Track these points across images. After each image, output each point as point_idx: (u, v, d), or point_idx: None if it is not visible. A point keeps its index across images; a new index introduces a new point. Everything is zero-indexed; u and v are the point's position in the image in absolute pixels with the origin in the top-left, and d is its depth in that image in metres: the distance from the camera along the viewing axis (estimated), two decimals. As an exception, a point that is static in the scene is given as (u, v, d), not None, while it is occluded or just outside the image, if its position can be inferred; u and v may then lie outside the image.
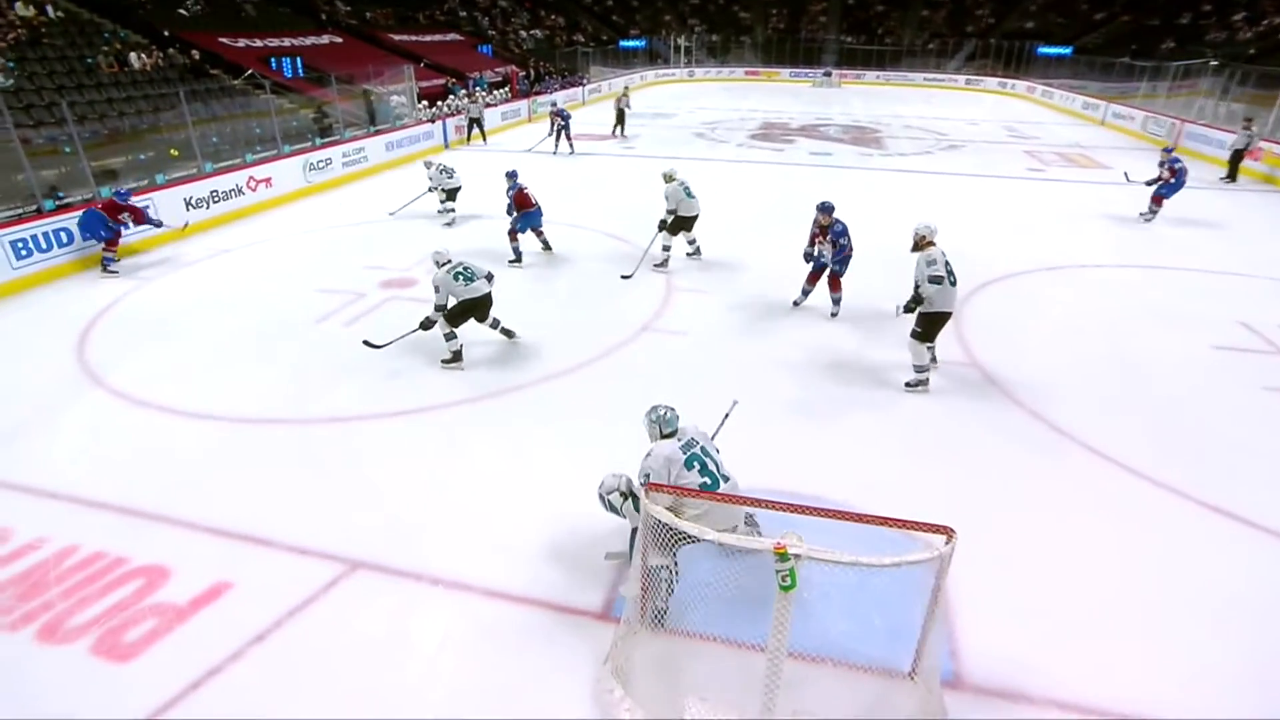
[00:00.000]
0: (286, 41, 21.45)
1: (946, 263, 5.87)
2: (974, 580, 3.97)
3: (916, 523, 2.97)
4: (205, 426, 5.69)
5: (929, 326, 6.01)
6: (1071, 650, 3.70)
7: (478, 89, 22.36)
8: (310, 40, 22.81)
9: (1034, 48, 35.60)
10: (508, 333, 7.05)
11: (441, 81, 22.91)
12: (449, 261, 6.56)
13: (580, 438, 5.51)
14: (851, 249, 7.43)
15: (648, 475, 3.72)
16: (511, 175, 9.48)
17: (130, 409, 5.95)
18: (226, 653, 3.63)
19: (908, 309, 6.00)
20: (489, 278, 6.64)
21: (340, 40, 24.40)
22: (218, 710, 3.37)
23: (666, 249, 9.14)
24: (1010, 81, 35.09)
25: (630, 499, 3.86)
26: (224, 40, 19.41)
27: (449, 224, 11.29)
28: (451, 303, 6.49)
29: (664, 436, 3.88)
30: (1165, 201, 11.61)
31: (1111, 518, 4.69)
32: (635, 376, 6.43)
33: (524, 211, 9.26)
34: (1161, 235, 11.13)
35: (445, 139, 18.53)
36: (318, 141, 14.68)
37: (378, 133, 16.25)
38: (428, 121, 18.19)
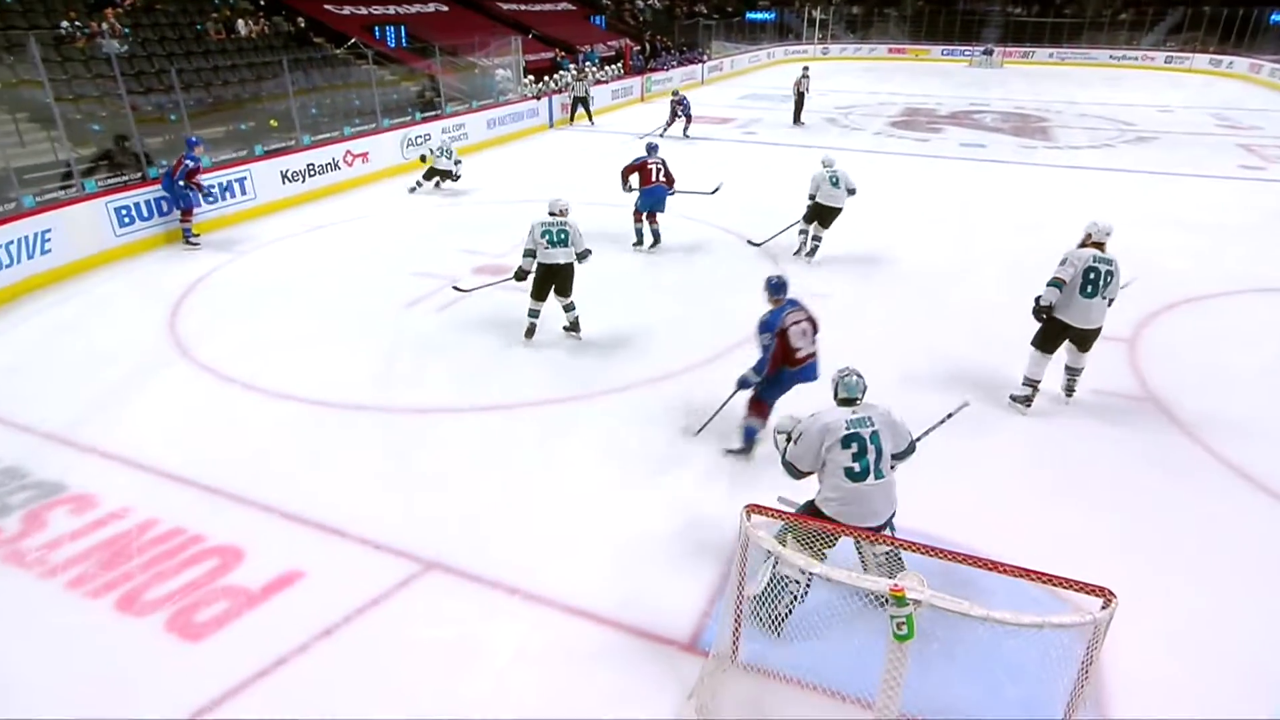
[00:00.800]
0: (392, 9, 22.75)
1: (1090, 269, 5.64)
2: (1135, 654, 3.71)
3: (1067, 579, 2.82)
4: (288, 407, 6.13)
5: (1045, 334, 5.90)
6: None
7: (587, 64, 22.95)
8: (416, 8, 24.11)
9: (1268, 15, 32.42)
10: (572, 326, 7.22)
11: (550, 55, 23.68)
12: (556, 214, 6.84)
13: (679, 449, 5.57)
14: (771, 356, 5.05)
15: (800, 436, 3.84)
16: (650, 149, 9.97)
17: (216, 385, 6.49)
18: (294, 644, 3.90)
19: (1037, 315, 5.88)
20: (582, 255, 6.87)
21: (446, 8, 25.66)
22: (281, 702, 3.62)
23: (817, 239, 9.35)
24: (1227, 59, 32.11)
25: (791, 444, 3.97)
26: (328, 7, 20.80)
27: (412, 189, 12.61)
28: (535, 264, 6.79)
29: (840, 402, 3.89)
30: None
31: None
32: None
33: (644, 188, 9.52)
34: None
35: (550, 118, 19.14)
36: (418, 116, 15.52)
37: (481, 108, 17.00)
38: (533, 98, 18.85)
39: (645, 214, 9.75)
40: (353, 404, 6.18)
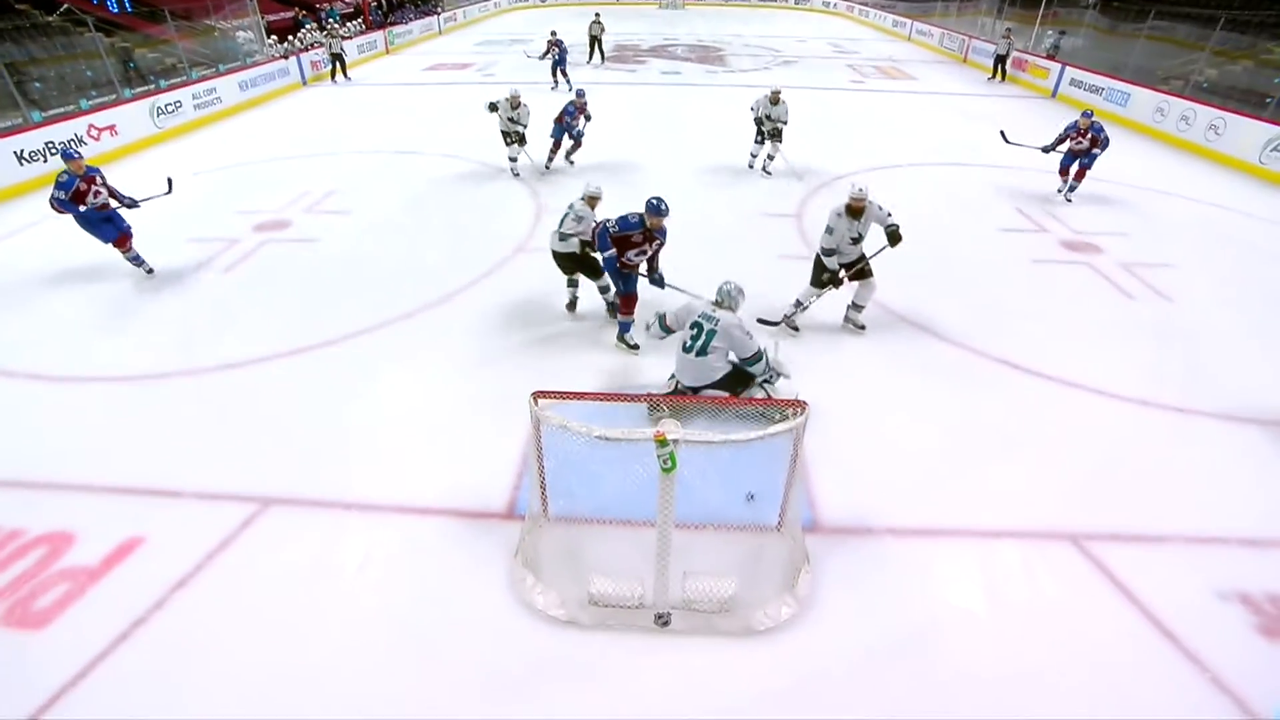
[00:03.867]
0: (104, -29, 17.85)
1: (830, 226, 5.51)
2: (824, 445, 4.27)
3: (771, 400, 3.12)
4: (87, 389, 5.02)
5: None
6: (900, 487, 4.10)
7: (332, 20, 19.78)
8: (134, -32, 19.12)
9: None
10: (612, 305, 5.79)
11: (289, 14, 20.09)
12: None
13: (474, 357, 5.34)
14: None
15: (684, 305, 4.52)
16: (578, 92, 9.52)
17: (-5, 381, 5.14)
18: (150, 603, 3.37)
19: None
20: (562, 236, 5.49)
21: (168, -31, 20.62)
22: (153, 656, 3.14)
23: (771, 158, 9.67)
24: (833, 1, 35.47)
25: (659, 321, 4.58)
26: (25, -30, 15.82)
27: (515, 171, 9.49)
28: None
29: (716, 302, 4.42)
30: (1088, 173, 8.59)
31: (931, 379, 5.15)
32: (513, 301, 6.19)
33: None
34: (957, 136, 11.82)
35: (302, 75, 16.46)
36: (162, 84, 12.63)
37: (229, 71, 14.17)
38: (281, 58, 16.03)
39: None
40: (156, 373, 5.18)
